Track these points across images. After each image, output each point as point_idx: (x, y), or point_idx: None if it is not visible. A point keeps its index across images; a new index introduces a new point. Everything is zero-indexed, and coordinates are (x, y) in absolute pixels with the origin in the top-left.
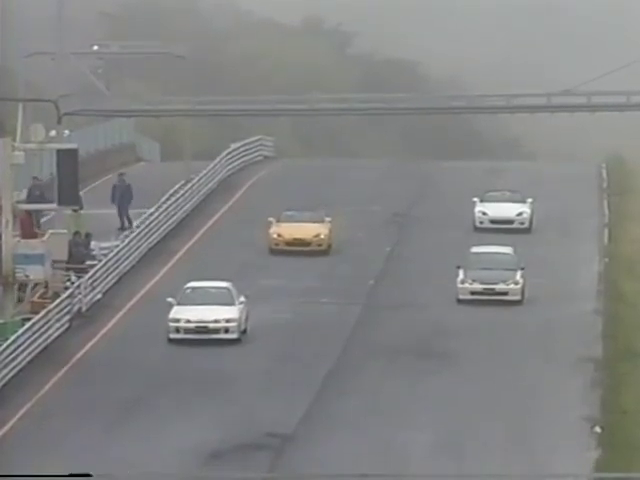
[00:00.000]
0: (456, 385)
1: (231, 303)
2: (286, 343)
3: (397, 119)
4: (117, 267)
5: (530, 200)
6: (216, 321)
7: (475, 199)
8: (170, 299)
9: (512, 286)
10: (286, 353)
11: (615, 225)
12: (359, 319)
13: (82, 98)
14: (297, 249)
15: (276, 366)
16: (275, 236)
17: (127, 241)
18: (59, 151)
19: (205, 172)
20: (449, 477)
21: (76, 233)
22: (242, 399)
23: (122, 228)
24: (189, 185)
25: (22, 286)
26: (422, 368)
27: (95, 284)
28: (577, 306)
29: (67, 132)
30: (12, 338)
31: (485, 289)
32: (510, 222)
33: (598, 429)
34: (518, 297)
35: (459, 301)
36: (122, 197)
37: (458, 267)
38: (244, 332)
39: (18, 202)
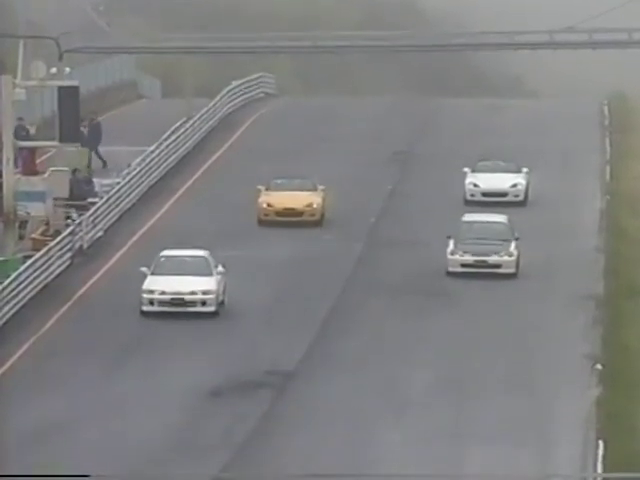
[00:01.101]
0: (457, 323)
1: (209, 273)
2: (287, 280)
3: (398, 57)
4: (118, 205)
5: (526, 170)
6: (193, 293)
7: (466, 169)
8: (143, 268)
9: (506, 258)
10: (287, 290)
11: (617, 162)
12: (360, 256)
13: (83, 35)
14: (288, 220)
15: (277, 303)
16: (264, 206)
17: (128, 179)
18: (60, 88)
19: (206, 109)
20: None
21: (76, 170)
22: (243, 337)
23: (105, 166)
24: (190, 122)
25: (23, 223)
26: (423, 306)
27: (96, 221)
28: (579, 243)
29: (68, 69)
30: (13, 275)
31: (477, 261)
32: (503, 194)
33: (599, 367)
34: (512, 270)
35: (448, 273)
36: (91, 137)
37: (448, 237)
38: (222, 304)
39: (27, 138)
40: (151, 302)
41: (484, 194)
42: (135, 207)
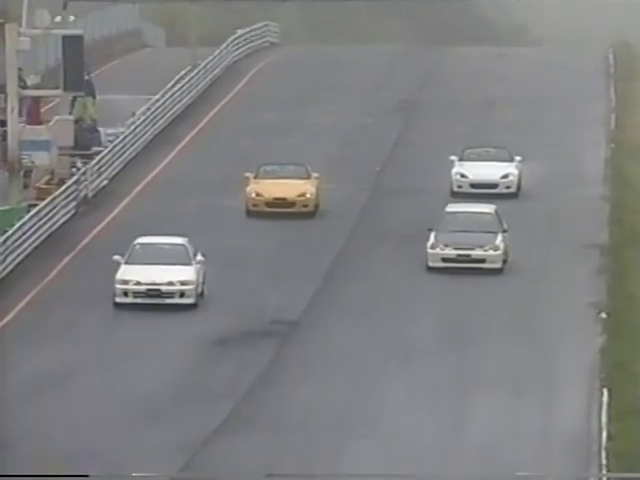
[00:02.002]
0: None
1: (187, 263)
2: (290, 230)
3: (404, 5)
4: (123, 154)
5: (519, 159)
6: (170, 283)
7: (453, 157)
8: (117, 257)
9: (491, 252)
10: (291, 240)
11: (622, 110)
12: (365, 206)
13: None
14: (278, 211)
15: (280, 252)
16: (253, 195)
17: (133, 128)
18: (64, 37)
19: (211, 58)
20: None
21: (80, 119)
22: (247, 286)
23: None
24: (195, 72)
25: (28, 172)
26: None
27: (101, 170)
28: (583, 192)
29: (72, 18)
30: (18, 224)
31: (459, 255)
32: (494, 186)
33: (604, 315)
34: (498, 265)
35: (429, 269)
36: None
37: (429, 229)
38: (201, 295)
39: (24, 88)
40: (125, 293)
41: (473, 185)
42: (140, 156)
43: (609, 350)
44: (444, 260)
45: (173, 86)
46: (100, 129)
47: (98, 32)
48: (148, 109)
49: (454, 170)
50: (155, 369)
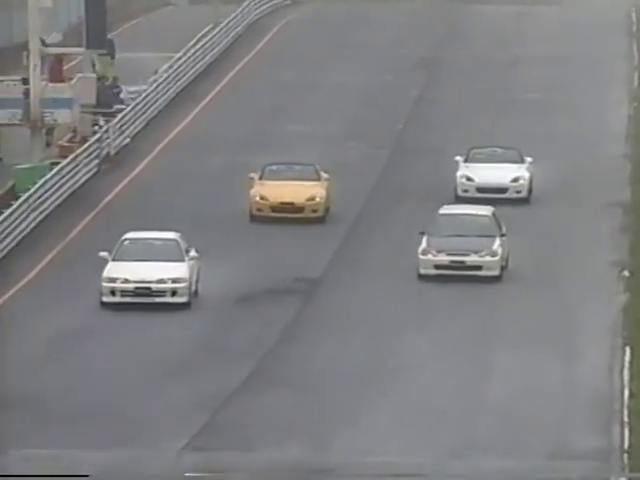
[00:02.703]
0: None
1: (180, 259)
2: None
3: None
4: (145, 112)
5: (530, 160)
6: (161, 281)
7: (458, 158)
8: (103, 253)
9: (487, 258)
10: None
11: None
12: (386, 163)
13: None
14: (285, 216)
15: None
16: (257, 199)
17: (155, 86)
18: None
19: (233, 16)
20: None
21: (102, 77)
22: (271, 244)
23: None
24: (217, 29)
25: (50, 130)
26: None
27: (123, 128)
28: (606, 150)
29: None
30: (40, 182)
31: (453, 262)
32: (503, 190)
33: (626, 273)
34: (495, 272)
35: (420, 276)
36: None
37: (421, 232)
38: (195, 294)
39: (47, 46)
40: (112, 292)
41: (479, 189)
42: (162, 114)
43: (631, 308)
44: (437, 267)
45: (195, 44)
46: (122, 87)
47: None
48: (170, 67)
49: (459, 172)
50: (178, 326)
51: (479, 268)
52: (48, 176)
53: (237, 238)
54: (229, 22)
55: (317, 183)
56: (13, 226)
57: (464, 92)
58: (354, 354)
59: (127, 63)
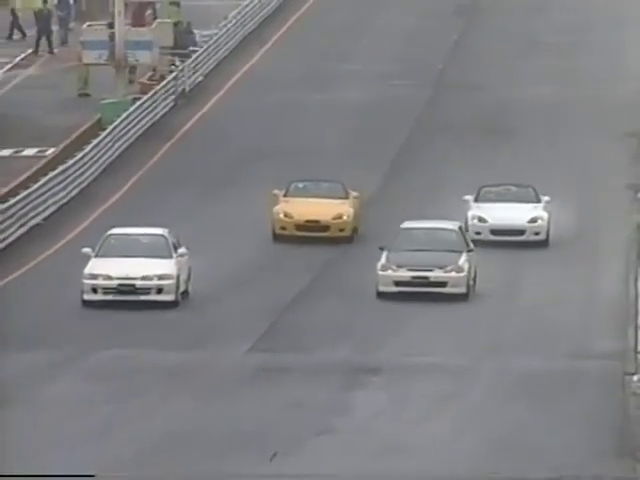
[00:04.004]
0: (516, 154)
1: (167, 255)
2: (361, 121)
3: None
4: (216, 53)
5: (547, 199)
6: (146, 277)
7: (467, 197)
8: (86, 249)
9: (453, 274)
10: (360, 130)
11: None
12: (429, 99)
13: None
14: (310, 235)
15: (352, 142)
16: (281, 216)
17: (225, 30)
18: None
19: None
20: None
21: (178, 22)
22: (318, 174)
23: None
24: None
25: (132, 69)
26: (486, 144)
27: (197, 68)
28: (624, 85)
29: None
30: (124, 115)
31: (414, 277)
32: (520, 233)
33: None
34: (462, 290)
35: (379, 294)
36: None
37: (381, 248)
38: (184, 294)
39: None
40: (94, 290)
41: (493, 232)
42: (231, 55)
43: None
44: (397, 284)
45: None
46: (195, 31)
47: None
48: (239, 12)
49: (470, 213)
50: (238, 246)
51: (444, 285)
52: (130, 110)
53: (289, 167)
54: None
55: (345, 201)
56: (100, 154)
57: (501, 35)
58: None
59: (200, 10)
